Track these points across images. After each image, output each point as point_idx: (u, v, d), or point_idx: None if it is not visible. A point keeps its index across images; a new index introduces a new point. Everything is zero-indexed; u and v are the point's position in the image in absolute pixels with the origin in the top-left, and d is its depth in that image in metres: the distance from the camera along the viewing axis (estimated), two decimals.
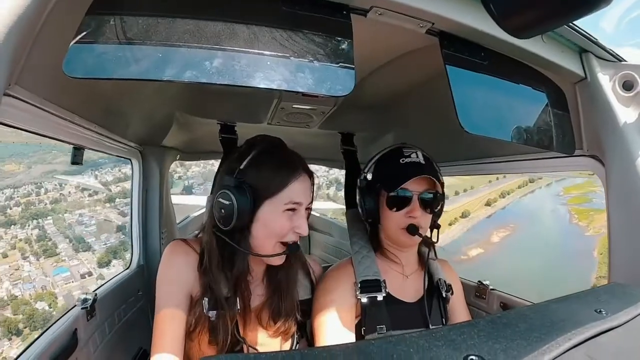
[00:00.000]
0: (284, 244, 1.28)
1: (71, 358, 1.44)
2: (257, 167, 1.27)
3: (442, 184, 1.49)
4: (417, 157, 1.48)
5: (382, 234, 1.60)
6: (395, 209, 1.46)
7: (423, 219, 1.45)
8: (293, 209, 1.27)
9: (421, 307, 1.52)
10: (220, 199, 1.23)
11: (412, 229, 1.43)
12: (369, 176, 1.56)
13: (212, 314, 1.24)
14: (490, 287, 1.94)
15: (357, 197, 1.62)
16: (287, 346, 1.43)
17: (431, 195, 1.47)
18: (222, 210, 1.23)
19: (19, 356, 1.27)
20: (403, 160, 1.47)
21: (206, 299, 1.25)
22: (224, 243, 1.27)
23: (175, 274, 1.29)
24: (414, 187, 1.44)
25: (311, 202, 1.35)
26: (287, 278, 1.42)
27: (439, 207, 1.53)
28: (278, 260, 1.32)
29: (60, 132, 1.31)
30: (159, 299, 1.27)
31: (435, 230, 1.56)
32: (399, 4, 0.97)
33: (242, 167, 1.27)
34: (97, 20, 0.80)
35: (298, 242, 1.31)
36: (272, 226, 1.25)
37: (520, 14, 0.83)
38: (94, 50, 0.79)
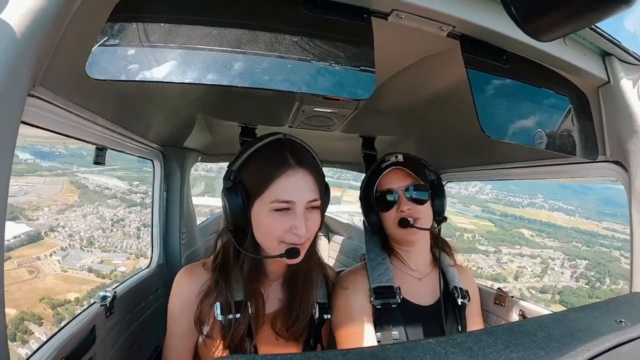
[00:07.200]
0: (287, 244, 1.19)
1: (89, 354, 1.46)
2: (247, 166, 1.23)
3: (427, 177, 1.55)
4: (397, 158, 1.57)
5: (389, 237, 1.64)
6: (385, 209, 1.54)
7: (415, 211, 1.49)
8: (285, 208, 1.17)
9: (436, 311, 1.52)
10: (221, 201, 1.25)
11: (403, 222, 1.48)
12: (363, 189, 1.66)
13: (224, 318, 1.25)
14: (510, 294, 1.91)
15: (362, 211, 1.69)
16: (299, 351, 1.41)
17: (416, 188, 1.51)
18: (223, 212, 1.25)
19: (37, 350, 1.28)
20: (383, 165, 1.57)
21: (218, 304, 1.26)
22: (232, 243, 1.27)
23: (179, 302, 1.33)
24: (396, 184, 1.52)
25: (315, 200, 1.21)
26: (306, 281, 1.39)
27: (430, 199, 1.55)
28: (286, 260, 1.20)
29: (83, 133, 1.33)
30: (167, 325, 1.37)
31: (434, 222, 1.60)
32: (420, 7, 0.96)
33: (234, 167, 1.25)
34: (120, 23, 0.82)
35: (298, 246, 1.19)
36: (265, 227, 1.19)
37: (542, 17, 0.81)
38: (117, 52, 0.80)
